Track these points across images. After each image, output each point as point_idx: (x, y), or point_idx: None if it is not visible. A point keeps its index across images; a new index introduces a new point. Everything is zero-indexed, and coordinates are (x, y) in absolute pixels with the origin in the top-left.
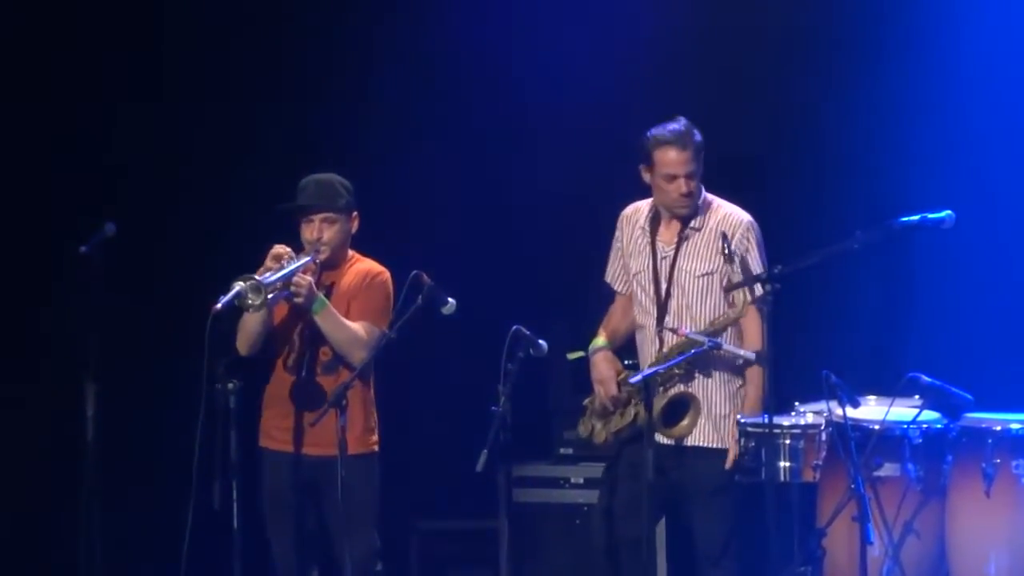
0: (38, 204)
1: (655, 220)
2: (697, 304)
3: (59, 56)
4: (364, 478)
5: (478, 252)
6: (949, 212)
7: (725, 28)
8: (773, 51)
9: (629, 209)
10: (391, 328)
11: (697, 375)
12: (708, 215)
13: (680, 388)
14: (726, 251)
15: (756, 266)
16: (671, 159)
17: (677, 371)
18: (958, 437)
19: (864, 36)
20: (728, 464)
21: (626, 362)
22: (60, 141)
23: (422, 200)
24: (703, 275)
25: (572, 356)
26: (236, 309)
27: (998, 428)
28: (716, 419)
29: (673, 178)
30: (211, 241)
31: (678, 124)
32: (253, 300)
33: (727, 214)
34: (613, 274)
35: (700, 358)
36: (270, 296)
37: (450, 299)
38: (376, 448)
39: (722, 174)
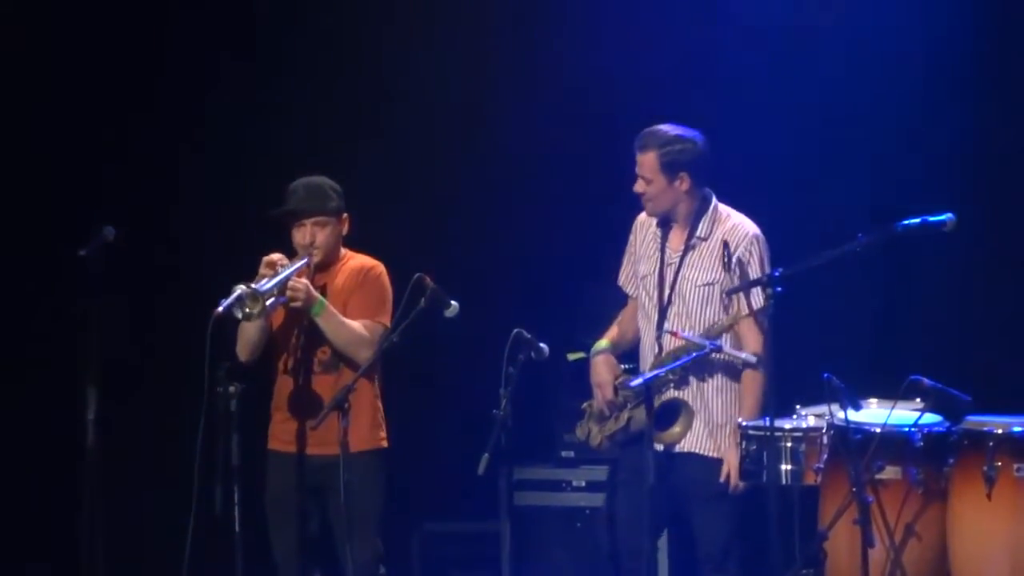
0: (37, 207)
1: (667, 224)
2: (696, 313)
3: (60, 60)
4: (371, 477)
5: (481, 255)
6: (950, 215)
7: (727, 30)
8: (775, 52)
9: (643, 214)
10: (394, 332)
11: (694, 381)
12: (716, 225)
13: (671, 394)
14: (726, 259)
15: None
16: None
17: (671, 377)
18: (959, 440)
19: (873, 36)
20: (722, 477)
21: (624, 366)
22: (60, 144)
23: (425, 203)
24: (704, 285)
25: (572, 357)
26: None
27: (1000, 431)
28: (713, 427)
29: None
30: (211, 245)
31: (657, 127)
32: (251, 308)
33: (734, 225)
34: (626, 277)
35: (699, 365)
36: (268, 303)
37: (453, 302)
38: (384, 444)
39: (723, 178)
